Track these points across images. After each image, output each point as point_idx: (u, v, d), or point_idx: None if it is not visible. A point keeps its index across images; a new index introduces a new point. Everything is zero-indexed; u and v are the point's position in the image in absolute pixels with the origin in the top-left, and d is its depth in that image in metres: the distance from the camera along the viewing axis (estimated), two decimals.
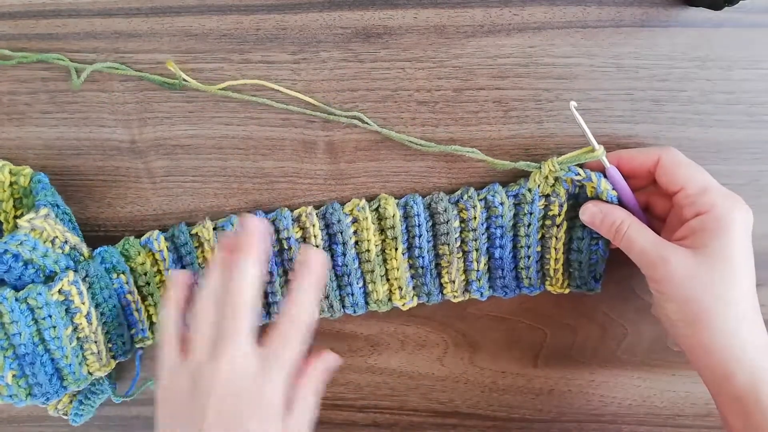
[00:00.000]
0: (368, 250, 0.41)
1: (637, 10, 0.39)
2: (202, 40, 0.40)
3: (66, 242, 0.39)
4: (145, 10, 0.40)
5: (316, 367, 0.36)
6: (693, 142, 0.40)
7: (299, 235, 0.41)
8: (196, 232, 0.41)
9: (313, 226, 0.40)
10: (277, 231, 0.40)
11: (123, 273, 0.40)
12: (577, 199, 0.39)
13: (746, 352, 0.33)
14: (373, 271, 0.41)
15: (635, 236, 0.36)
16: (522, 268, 0.41)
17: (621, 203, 0.38)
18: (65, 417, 0.43)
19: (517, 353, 0.44)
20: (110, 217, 0.43)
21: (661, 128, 0.40)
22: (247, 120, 0.41)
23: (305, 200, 0.42)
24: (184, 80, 0.39)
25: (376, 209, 0.41)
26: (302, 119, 0.41)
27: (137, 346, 0.42)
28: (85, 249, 0.40)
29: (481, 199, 0.40)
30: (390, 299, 0.42)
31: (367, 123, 0.39)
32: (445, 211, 0.40)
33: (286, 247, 0.41)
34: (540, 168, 0.39)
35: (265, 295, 0.41)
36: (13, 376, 0.38)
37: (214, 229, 0.41)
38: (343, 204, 0.41)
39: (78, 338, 0.39)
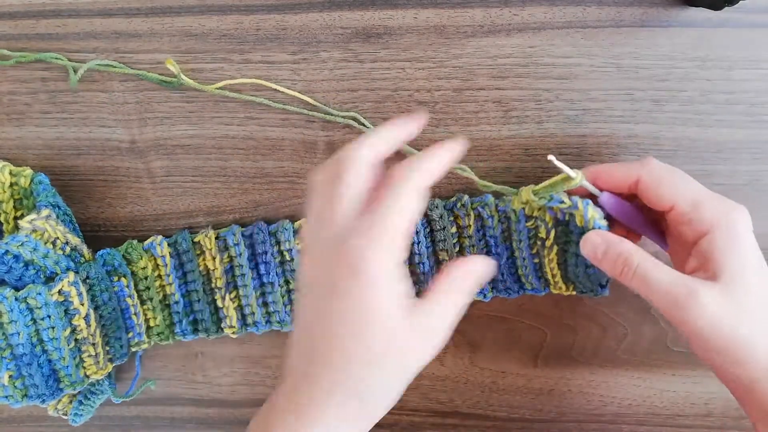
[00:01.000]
0: None
1: (636, 10, 0.39)
2: (202, 40, 0.40)
3: (67, 243, 0.39)
4: (145, 10, 0.40)
5: None
6: (693, 142, 0.40)
7: (300, 246, 0.40)
8: (198, 240, 0.41)
9: None
10: (279, 243, 0.40)
11: (124, 276, 0.40)
12: (568, 225, 0.36)
13: None
14: None
15: (650, 274, 0.32)
16: (521, 274, 0.40)
17: (624, 229, 0.36)
18: (65, 417, 0.43)
19: (517, 353, 0.44)
20: (110, 217, 0.43)
21: (661, 128, 0.40)
22: (247, 120, 0.41)
23: (305, 200, 0.42)
24: (180, 81, 0.39)
25: None
26: (302, 119, 0.41)
27: (133, 350, 0.42)
28: (85, 250, 0.40)
29: (474, 208, 0.39)
30: None
31: (363, 124, 0.39)
32: (441, 217, 0.39)
33: (288, 259, 0.41)
34: (517, 194, 0.38)
35: (266, 304, 0.41)
36: (10, 376, 0.38)
37: (216, 238, 0.41)
38: None
39: (76, 340, 0.39)
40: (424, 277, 0.41)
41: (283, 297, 0.41)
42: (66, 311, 0.38)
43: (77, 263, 0.39)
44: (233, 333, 0.42)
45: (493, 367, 0.44)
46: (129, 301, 0.41)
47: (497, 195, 0.40)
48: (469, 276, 0.32)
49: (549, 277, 0.40)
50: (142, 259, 0.41)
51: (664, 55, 0.39)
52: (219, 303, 0.41)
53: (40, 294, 0.37)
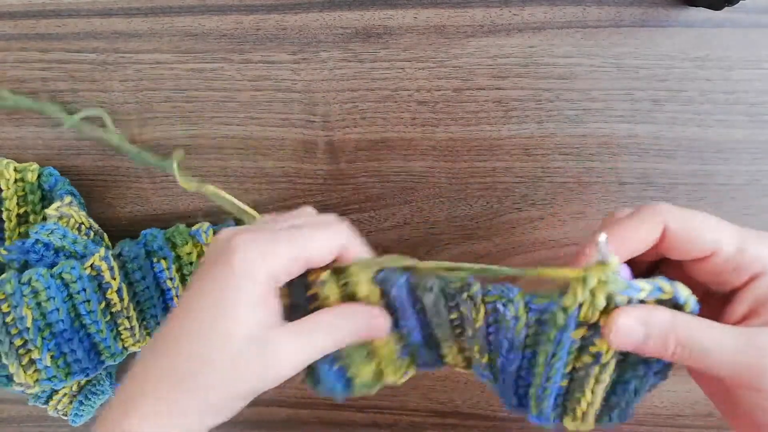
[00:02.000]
0: None
1: (636, 10, 0.39)
2: (202, 40, 0.40)
3: (90, 228, 0.40)
4: (145, 10, 0.40)
5: None
6: (693, 142, 0.40)
7: None
8: None
9: None
10: None
11: (164, 258, 0.41)
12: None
13: None
14: (350, 355, 0.32)
15: (700, 336, 0.26)
16: (532, 395, 0.30)
17: None
18: (65, 417, 0.43)
19: None
20: (110, 217, 0.43)
21: (661, 128, 0.40)
22: (247, 120, 0.41)
23: (305, 200, 0.42)
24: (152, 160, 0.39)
25: (345, 284, 0.30)
26: (302, 119, 0.41)
27: None
28: (105, 235, 0.41)
29: (488, 303, 0.29)
30: (380, 378, 0.33)
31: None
32: (435, 306, 0.30)
33: None
34: (585, 279, 0.25)
35: None
36: (52, 357, 0.38)
37: None
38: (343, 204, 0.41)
39: (111, 313, 0.39)
40: (417, 348, 0.32)
41: None
42: (99, 285, 0.39)
43: (105, 247, 0.40)
44: None
45: None
46: (169, 283, 0.41)
47: (512, 279, 0.29)
48: (355, 324, 0.30)
49: (577, 407, 0.29)
50: (187, 244, 0.41)
51: (664, 55, 0.39)
52: None
53: (74, 268, 0.37)
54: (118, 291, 0.39)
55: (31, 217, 0.41)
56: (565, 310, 0.26)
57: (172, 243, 0.41)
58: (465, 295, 0.29)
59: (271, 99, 0.41)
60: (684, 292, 0.26)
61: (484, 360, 0.30)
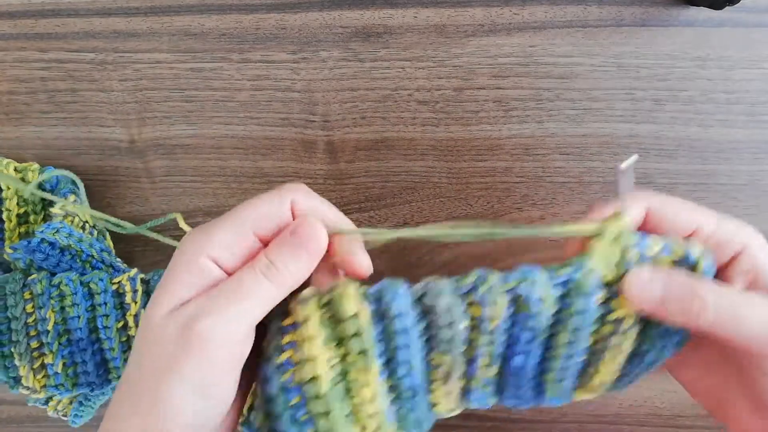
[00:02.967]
0: (314, 379, 0.25)
1: (637, 10, 0.39)
2: (202, 39, 0.40)
3: (94, 226, 0.40)
4: (144, 9, 0.40)
5: None
6: (694, 142, 0.40)
7: None
8: None
9: None
10: None
11: None
12: None
13: None
14: (328, 413, 0.26)
15: (730, 302, 0.25)
16: (549, 379, 0.29)
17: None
18: (65, 418, 0.43)
19: None
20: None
21: (662, 128, 0.40)
22: (247, 120, 0.41)
23: None
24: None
25: (327, 304, 0.26)
26: (302, 119, 0.41)
27: None
28: (107, 234, 0.41)
29: (508, 290, 0.26)
30: None
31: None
32: (449, 310, 0.26)
33: None
34: (605, 231, 0.26)
35: None
36: (63, 364, 0.38)
37: None
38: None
39: (127, 336, 0.39)
40: (412, 393, 0.28)
41: None
42: (121, 305, 0.39)
43: (107, 253, 0.40)
44: None
45: None
46: None
47: (542, 262, 0.27)
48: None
49: (594, 379, 0.29)
50: None
51: (664, 55, 0.39)
52: None
53: (102, 280, 0.37)
54: (136, 316, 0.39)
55: (31, 217, 0.41)
56: (591, 271, 0.26)
57: None
58: (482, 287, 0.26)
59: (270, 98, 0.40)
60: (695, 250, 0.26)
61: (491, 374, 0.28)
